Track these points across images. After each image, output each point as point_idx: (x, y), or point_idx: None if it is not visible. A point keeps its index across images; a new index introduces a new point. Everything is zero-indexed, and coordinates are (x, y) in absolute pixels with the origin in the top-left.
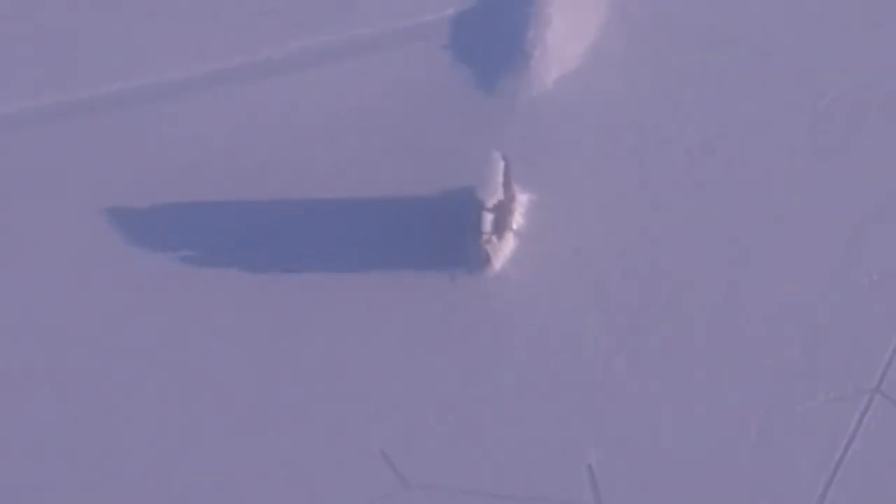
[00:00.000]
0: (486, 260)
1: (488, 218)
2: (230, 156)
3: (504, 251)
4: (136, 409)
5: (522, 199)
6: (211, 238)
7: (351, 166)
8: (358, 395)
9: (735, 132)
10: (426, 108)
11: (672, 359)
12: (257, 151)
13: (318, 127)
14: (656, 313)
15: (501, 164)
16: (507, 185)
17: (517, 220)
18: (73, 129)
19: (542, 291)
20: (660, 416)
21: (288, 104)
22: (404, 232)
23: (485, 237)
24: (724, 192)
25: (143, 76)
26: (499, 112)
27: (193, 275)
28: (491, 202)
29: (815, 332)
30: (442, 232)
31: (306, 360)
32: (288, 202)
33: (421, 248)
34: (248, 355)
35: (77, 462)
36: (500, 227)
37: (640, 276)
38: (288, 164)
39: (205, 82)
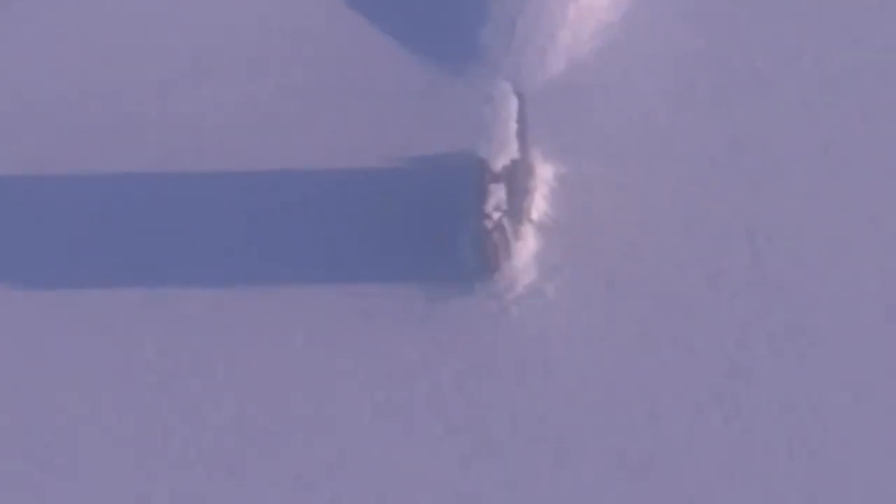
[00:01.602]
0: (491, 264)
1: (496, 193)
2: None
3: (519, 252)
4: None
5: (545, 174)
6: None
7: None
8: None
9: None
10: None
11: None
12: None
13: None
14: (750, 362)
15: (514, 102)
16: (522, 142)
17: (538, 205)
18: None
19: (578, 317)
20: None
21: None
22: (362, 217)
23: (489, 226)
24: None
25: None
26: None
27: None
28: (499, 165)
29: None
30: (419, 217)
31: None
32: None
33: (386, 245)
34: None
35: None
36: (513, 212)
37: (723, 298)
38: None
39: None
